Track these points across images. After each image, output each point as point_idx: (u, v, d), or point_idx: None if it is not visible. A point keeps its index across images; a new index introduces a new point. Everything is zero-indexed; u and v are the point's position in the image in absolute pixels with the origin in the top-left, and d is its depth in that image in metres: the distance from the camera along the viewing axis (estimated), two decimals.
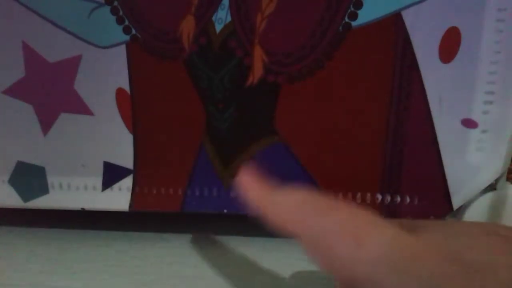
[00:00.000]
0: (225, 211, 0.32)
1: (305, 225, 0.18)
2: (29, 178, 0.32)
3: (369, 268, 0.16)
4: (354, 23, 0.27)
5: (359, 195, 0.31)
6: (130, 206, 0.32)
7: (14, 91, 0.31)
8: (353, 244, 0.16)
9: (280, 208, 0.19)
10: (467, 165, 0.29)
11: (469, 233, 0.18)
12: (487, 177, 0.29)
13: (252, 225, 0.35)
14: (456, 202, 0.30)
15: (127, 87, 0.30)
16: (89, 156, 0.32)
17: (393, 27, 0.27)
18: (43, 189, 0.33)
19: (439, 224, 0.19)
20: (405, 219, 0.22)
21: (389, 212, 0.31)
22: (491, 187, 0.30)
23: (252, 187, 0.21)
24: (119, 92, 0.30)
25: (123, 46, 0.29)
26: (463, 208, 0.30)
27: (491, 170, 0.29)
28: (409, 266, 0.15)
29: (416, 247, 0.16)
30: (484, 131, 0.28)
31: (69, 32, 0.29)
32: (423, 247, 0.16)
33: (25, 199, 0.33)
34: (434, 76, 0.28)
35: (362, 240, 0.16)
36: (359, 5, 0.27)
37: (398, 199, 0.30)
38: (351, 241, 0.16)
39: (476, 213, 0.30)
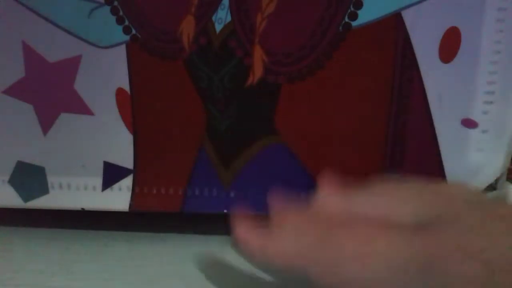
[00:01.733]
0: (225, 211, 0.32)
1: (311, 261, 0.18)
2: (29, 178, 0.32)
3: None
4: (354, 23, 0.27)
5: None
6: (130, 206, 0.32)
7: (14, 91, 0.31)
8: (360, 266, 0.17)
9: (282, 251, 0.20)
10: (467, 165, 0.29)
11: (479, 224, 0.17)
12: (487, 177, 0.29)
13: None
14: None
15: (127, 87, 0.30)
16: (89, 156, 0.32)
17: (393, 27, 0.27)
18: (43, 189, 0.33)
19: (452, 218, 0.19)
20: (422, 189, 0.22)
21: None
22: (491, 187, 0.30)
23: (249, 239, 0.21)
24: (119, 92, 0.30)
25: (123, 46, 0.29)
26: None
27: (491, 170, 0.29)
28: (423, 273, 0.16)
29: (430, 252, 0.16)
30: (484, 131, 0.28)
31: (69, 32, 0.29)
32: (439, 251, 0.16)
33: (25, 199, 0.33)
34: (434, 76, 0.28)
35: (368, 264, 0.17)
36: (359, 5, 0.27)
37: None
38: (358, 266, 0.17)
39: None
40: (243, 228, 0.22)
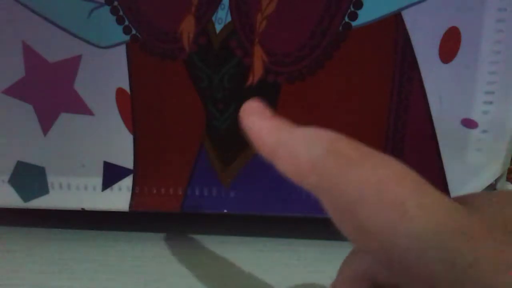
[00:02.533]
0: (225, 211, 0.32)
1: (331, 181, 0.14)
2: (29, 178, 0.32)
3: (414, 244, 0.12)
4: (354, 23, 0.27)
5: None
6: (130, 206, 0.32)
7: (14, 91, 0.31)
8: (396, 215, 0.13)
9: (297, 148, 0.15)
10: (467, 165, 0.29)
11: None
12: (487, 177, 0.29)
13: (252, 225, 0.35)
14: None
15: (127, 87, 0.30)
16: (89, 156, 0.32)
17: (393, 27, 0.27)
18: (43, 189, 0.33)
19: (486, 196, 0.16)
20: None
21: None
22: (491, 187, 0.30)
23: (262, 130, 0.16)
24: (119, 92, 0.30)
25: (123, 46, 0.29)
26: None
27: (491, 170, 0.29)
28: (460, 247, 0.12)
29: (470, 224, 0.13)
30: (484, 131, 0.28)
31: (69, 32, 0.29)
32: (479, 225, 0.13)
33: (25, 199, 0.33)
34: (434, 76, 0.28)
35: (407, 212, 0.13)
36: (359, 5, 0.27)
37: None
38: (392, 211, 0.13)
39: None
40: (257, 103, 0.17)
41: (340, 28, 0.27)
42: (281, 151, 0.15)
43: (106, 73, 0.30)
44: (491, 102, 0.28)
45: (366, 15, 0.27)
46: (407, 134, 0.29)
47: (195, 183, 0.32)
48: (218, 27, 0.28)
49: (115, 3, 0.28)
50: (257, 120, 0.17)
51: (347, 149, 0.15)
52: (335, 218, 0.14)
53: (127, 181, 0.32)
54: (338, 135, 0.15)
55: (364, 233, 0.13)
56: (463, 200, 0.15)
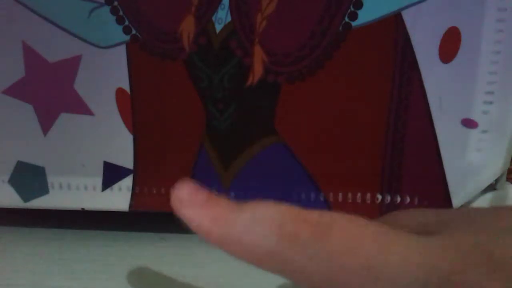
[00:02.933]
0: None
1: (292, 265, 0.14)
2: (29, 178, 0.32)
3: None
4: (354, 23, 0.27)
5: (359, 195, 0.31)
6: (130, 206, 0.32)
7: (14, 91, 0.31)
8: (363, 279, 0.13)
9: (251, 239, 0.14)
10: (467, 165, 0.29)
11: (494, 227, 0.14)
12: (487, 177, 0.29)
13: None
14: (456, 202, 0.30)
15: (127, 87, 0.30)
16: (89, 156, 0.32)
17: (393, 27, 0.27)
18: (43, 189, 0.33)
19: (461, 219, 0.16)
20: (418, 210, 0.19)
21: (389, 212, 0.31)
22: (491, 187, 0.30)
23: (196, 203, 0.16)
24: (119, 92, 0.30)
25: (123, 46, 0.29)
26: None
27: (491, 170, 0.29)
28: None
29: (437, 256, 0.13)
30: (484, 131, 0.28)
31: (69, 32, 0.29)
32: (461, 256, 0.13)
33: (25, 199, 0.33)
34: (434, 76, 0.28)
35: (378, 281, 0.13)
36: (359, 5, 0.27)
37: (398, 199, 0.30)
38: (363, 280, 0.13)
39: None
40: (188, 189, 0.16)
41: (340, 28, 0.28)
42: (232, 242, 0.15)
43: (106, 73, 0.30)
44: (491, 102, 0.28)
45: (366, 15, 0.27)
46: (407, 134, 0.29)
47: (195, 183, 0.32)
48: (218, 27, 0.28)
49: (115, 3, 0.28)
50: (194, 212, 0.16)
51: (297, 229, 0.14)
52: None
53: (127, 181, 0.32)
54: (286, 210, 0.15)
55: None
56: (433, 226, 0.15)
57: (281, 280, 0.30)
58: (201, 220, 0.15)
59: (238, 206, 0.15)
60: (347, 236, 0.14)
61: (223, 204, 0.15)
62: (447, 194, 0.30)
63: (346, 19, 0.27)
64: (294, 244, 0.14)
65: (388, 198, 0.30)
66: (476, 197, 0.30)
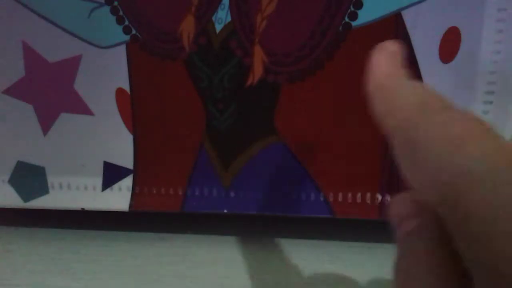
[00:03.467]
0: (225, 211, 0.32)
1: (413, 128, 0.14)
2: (29, 178, 0.32)
3: (462, 176, 0.12)
4: (354, 23, 0.27)
5: (359, 195, 0.31)
6: (130, 206, 0.32)
7: (14, 91, 0.31)
8: (453, 147, 0.13)
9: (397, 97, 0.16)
10: None
11: None
12: None
13: (252, 225, 0.35)
14: None
15: (127, 87, 0.30)
16: (89, 156, 0.32)
17: (393, 27, 0.27)
18: (43, 189, 0.33)
19: None
20: None
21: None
22: None
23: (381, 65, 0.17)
24: (119, 92, 0.30)
25: (123, 46, 0.29)
26: None
27: None
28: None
29: None
30: None
31: (69, 32, 0.29)
32: None
33: (25, 199, 0.33)
34: (434, 76, 0.28)
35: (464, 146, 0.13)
36: (359, 5, 0.27)
37: None
38: (450, 144, 0.13)
39: None
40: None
41: (340, 28, 0.28)
42: (382, 94, 0.17)
43: (106, 73, 0.30)
44: (491, 102, 0.28)
45: (366, 15, 0.27)
46: None
47: (195, 183, 0.32)
48: (218, 27, 0.28)
49: (115, 3, 0.28)
50: (382, 59, 0.18)
51: (435, 102, 0.15)
52: (401, 156, 0.15)
53: (127, 181, 0.32)
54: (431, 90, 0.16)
55: (421, 169, 0.14)
56: None
57: (281, 280, 0.30)
58: (380, 65, 0.17)
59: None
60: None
61: (401, 71, 0.17)
62: None
63: (346, 19, 0.27)
64: (425, 112, 0.15)
65: (388, 198, 0.30)
66: None
